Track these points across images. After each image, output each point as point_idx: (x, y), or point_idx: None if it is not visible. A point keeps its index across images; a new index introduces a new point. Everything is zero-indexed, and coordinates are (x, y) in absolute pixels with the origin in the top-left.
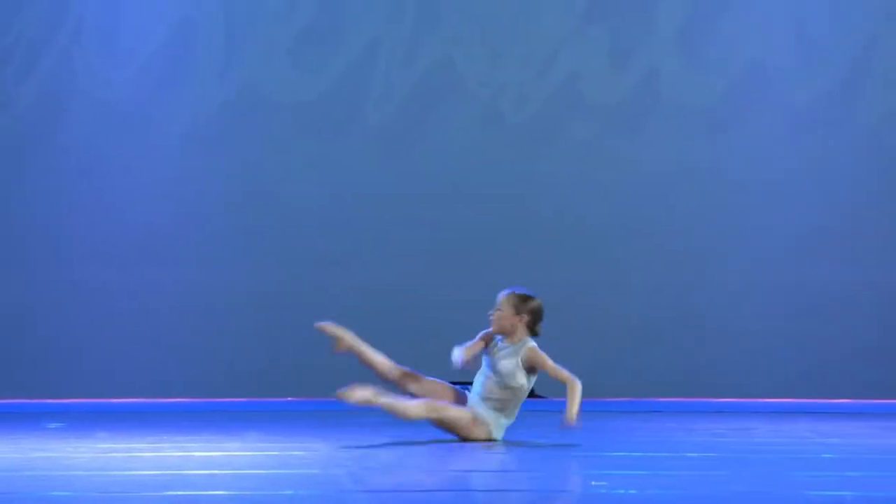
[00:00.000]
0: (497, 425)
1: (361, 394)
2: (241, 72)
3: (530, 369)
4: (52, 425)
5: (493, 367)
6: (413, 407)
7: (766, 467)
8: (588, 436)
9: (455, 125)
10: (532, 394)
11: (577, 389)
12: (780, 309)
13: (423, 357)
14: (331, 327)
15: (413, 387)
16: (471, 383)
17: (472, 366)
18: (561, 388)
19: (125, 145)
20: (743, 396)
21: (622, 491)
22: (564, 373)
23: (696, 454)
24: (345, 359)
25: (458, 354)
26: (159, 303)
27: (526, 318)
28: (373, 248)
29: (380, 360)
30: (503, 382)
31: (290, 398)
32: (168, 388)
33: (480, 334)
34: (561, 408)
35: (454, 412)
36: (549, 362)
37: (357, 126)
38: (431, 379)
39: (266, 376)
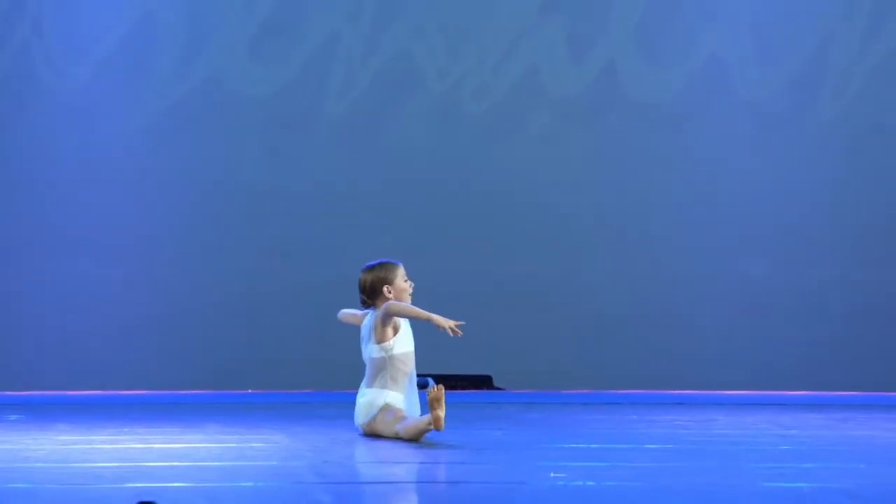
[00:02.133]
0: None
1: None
2: (201, 65)
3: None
4: (12, 417)
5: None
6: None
7: (724, 459)
8: (547, 428)
9: (415, 117)
10: (490, 385)
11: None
12: (742, 302)
13: None
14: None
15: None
16: (421, 375)
17: None
18: (518, 379)
19: (85, 139)
20: (704, 388)
21: (581, 482)
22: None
23: (655, 446)
24: (303, 352)
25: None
26: (118, 296)
27: (390, 289)
28: (334, 240)
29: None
30: None
31: (249, 390)
32: (128, 381)
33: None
34: (520, 399)
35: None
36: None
37: (317, 119)
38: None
39: (226, 369)
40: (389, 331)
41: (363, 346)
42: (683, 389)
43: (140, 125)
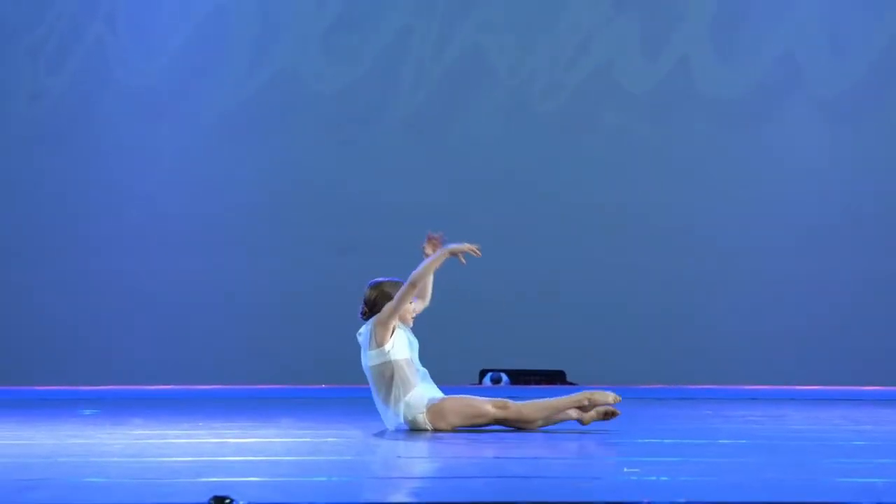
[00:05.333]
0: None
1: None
2: (273, 60)
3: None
4: (87, 412)
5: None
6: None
7: (798, 454)
8: (621, 423)
9: (485, 113)
10: (563, 380)
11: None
12: (815, 298)
13: (452, 341)
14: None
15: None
16: (494, 370)
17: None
18: (591, 374)
19: (157, 134)
20: (777, 384)
21: (654, 478)
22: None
23: (728, 441)
24: None
25: None
26: (194, 291)
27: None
28: (403, 236)
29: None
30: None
31: (324, 385)
32: (202, 376)
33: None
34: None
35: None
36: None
37: (388, 114)
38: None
39: (300, 363)
40: (390, 329)
41: (362, 359)
42: (756, 384)
43: (211, 122)
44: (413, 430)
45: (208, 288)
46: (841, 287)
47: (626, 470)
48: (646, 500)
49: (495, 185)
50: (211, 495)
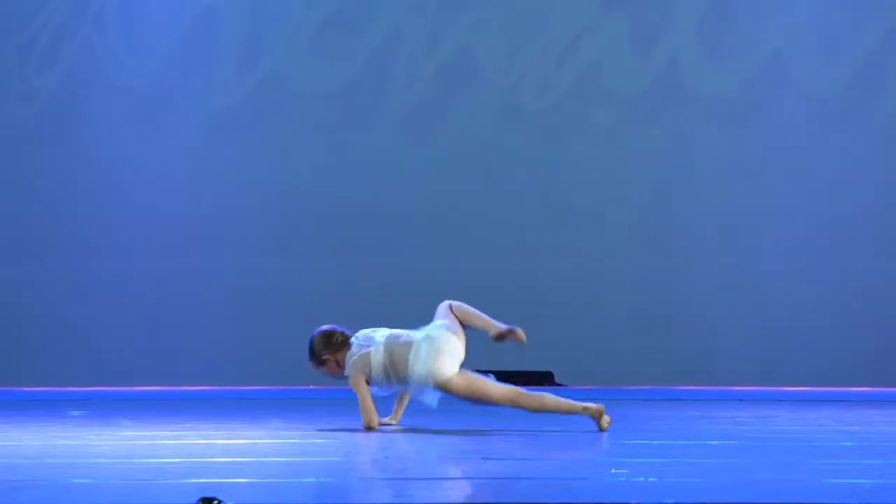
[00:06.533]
0: None
1: None
2: (264, 61)
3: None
4: (76, 413)
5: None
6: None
7: (786, 455)
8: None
9: (476, 114)
10: (552, 381)
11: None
12: (802, 298)
13: None
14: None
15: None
16: (482, 371)
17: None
18: (579, 375)
19: (147, 134)
20: (765, 385)
21: (642, 479)
22: None
23: (716, 442)
24: None
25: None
26: (182, 292)
27: (330, 357)
28: (395, 236)
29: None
30: None
31: (312, 386)
32: (191, 377)
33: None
34: (582, 395)
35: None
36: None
37: (379, 115)
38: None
39: (289, 364)
40: None
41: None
42: (744, 386)
43: (202, 122)
44: (415, 371)
45: (198, 289)
46: (830, 287)
47: (613, 471)
48: (634, 502)
49: (485, 185)
50: (199, 496)
